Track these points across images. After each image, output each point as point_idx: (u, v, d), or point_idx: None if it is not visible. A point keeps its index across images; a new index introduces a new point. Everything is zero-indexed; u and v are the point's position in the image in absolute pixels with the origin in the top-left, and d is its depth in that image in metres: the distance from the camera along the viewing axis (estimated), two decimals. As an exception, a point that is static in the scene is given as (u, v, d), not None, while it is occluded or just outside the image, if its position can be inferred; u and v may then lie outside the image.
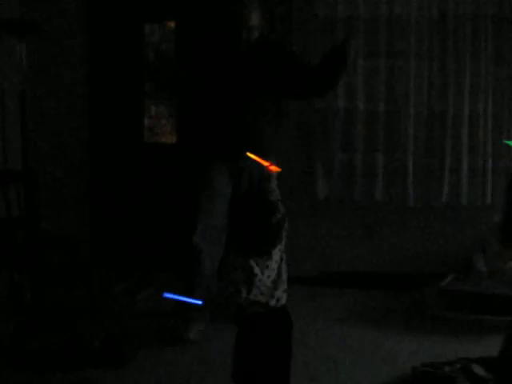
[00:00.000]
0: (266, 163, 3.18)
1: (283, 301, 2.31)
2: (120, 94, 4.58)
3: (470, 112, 4.10)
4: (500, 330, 3.38)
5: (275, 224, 2.24)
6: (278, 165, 2.94)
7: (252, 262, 2.24)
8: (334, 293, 4.15)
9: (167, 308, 3.68)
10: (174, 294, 2.48)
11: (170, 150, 4.71)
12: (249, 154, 3.22)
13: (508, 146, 3.96)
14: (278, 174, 3.44)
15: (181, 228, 3.68)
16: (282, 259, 2.31)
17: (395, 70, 4.14)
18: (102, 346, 3.16)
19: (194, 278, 3.48)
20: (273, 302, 2.27)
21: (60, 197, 4.50)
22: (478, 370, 2.83)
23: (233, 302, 2.29)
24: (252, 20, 3.28)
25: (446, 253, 4.19)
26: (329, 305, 3.97)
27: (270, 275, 2.27)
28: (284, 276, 2.31)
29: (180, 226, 3.68)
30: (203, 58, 3.42)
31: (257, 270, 2.24)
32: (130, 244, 4.55)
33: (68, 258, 4.07)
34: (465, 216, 4.22)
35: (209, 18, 4.27)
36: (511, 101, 4.06)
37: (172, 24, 4.68)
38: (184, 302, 2.63)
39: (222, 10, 3.50)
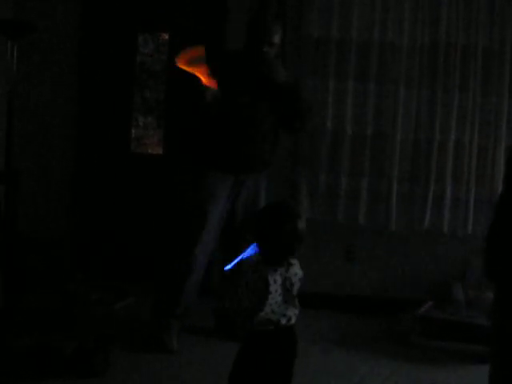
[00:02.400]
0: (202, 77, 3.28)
1: (293, 320, 2.29)
2: (109, 103, 4.57)
3: (455, 141, 4.13)
4: (476, 359, 3.41)
5: (297, 231, 2.22)
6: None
7: (270, 278, 2.21)
8: (311, 315, 4.13)
9: (146, 317, 3.66)
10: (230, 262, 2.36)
11: (157, 160, 4.70)
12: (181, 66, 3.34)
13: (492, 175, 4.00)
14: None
15: (165, 238, 3.69)
16: (296, 275, 2.28)
17: (384, 95, 4.16)
18: (74, 355, 3.11)
19: (181, 287, 3.49)
20: (284, 321, 2.25)
21: (44, 205, 4.46)
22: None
23: (243, 317, 2.27)
24: (275, 38, 3.46)
25: (426, 280, 4.19)
26: (305, 327, 3.93)
27: (284, 294, 2.24)
28: (296, 298, 2.28)
29: (163, 235, 3.68)
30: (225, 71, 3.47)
31: (272, 287, 2.21)
32: (112, 253, 4.51)
33: (47, 263, 4.03)
34: (445, 244, 4.23)
35: (202, 31, 4.29)
36: (497, 132, 4.09)
37: (166, 36, 4.70)
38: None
39: (241, 25, 3.65)
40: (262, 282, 2.21)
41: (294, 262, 2.29)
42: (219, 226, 3.54)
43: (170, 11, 4.48)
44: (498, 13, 4.01)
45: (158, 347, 3.43)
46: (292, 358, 2.32)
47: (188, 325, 3.65)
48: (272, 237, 2.24)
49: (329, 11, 4.11)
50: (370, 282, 4.26)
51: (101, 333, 3.53)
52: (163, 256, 3.66)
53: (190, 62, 3.49)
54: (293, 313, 2.28)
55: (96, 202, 4.60)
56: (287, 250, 2.25)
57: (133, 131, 4.73)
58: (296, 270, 2.28)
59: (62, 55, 4.49)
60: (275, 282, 2.22)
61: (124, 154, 4.64)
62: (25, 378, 2.96)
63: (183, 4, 4.46)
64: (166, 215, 4.14)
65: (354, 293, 4.25)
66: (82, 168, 4.58)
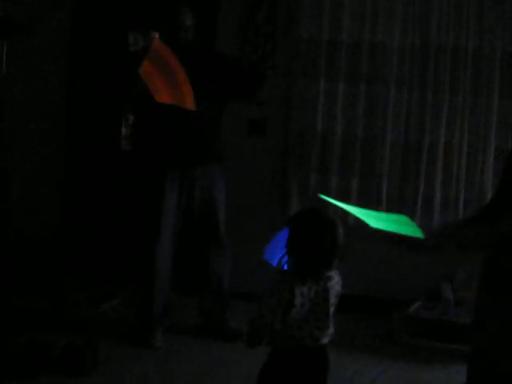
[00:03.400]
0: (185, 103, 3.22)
1: (323, 341, 2.08)
2: (99, 102, 4.55)
3: (445, 143, 4.15)
4: (464, 358, 3.42)
5: (336, 242, 2.04)
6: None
7: (296, 290, 2.01)
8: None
9: (131, 316, 3.68)
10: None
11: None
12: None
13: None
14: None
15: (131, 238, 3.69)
16: (332, 289, 2.08)
17: (374, 96, 4.18)
18: (63, 354, 3.10)
19: (151, 287, 3.52)
20: (308, 341, 2.04)
21: (34, 203, 4.44)
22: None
23: (261, 328, 2.01)
24: (187, 21, 3.43)
25: (415, 280, 4.20)
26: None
27: (314, 310, 2.04)
28: (330, 317, 2.08)
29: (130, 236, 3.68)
30: None
31: (298, 301, 2.00)
32: (100, 253, 4.49)
33: (36, 262, 4.01)
34: (435, 245, 4.24)
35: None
36: (486, 134, 4.11)
37: (157, 35, 4.66)
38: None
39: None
40: (287, 294, 2.00)
41: (332, 275, 2.09)
42: (177, 223, 3.54)
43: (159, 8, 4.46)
44: (487, 15, 4.03)
45: (142, 345, 3.46)
46: (318, 382, 2.11)
47: (175, 323, 3.68)
48: (307, 247, 2.03)
49: (319, 13, 4.12)
50: (359, 282, 4.25)
51: (89, 331, 3.54)
52: (132, 257, 3.71)
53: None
54: (323, 333, 2.06)
55: (86, 200, 4.58)
56: (322, 263, 2.06)
57: (123, 130, 4.72)
58: (333, 284, 2.08)
59: (51, 53, 4.47)
60: (302, 295, 2.01)
61: (114, 153, 4.62)
62: (15, 376, 2.95)
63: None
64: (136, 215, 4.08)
65: (344, 292, 4.25)
66: (72, 167, 4.57)
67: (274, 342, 2.06)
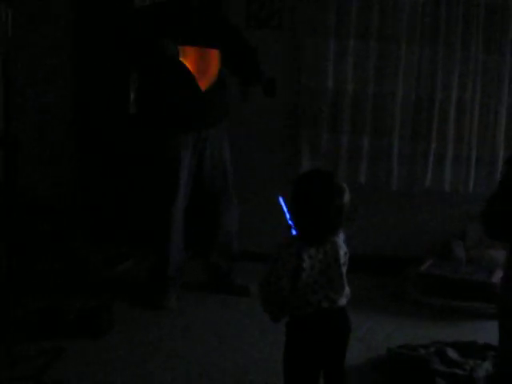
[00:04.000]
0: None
1: (340, 303, 2.03)
2: (108, 65, 4.51)
3: (457, 99, 4.10)
4: (475, 315, 3.46)
5: (340, 207, 1.97)
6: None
7: (304, 253, 1.97)
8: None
9: (146, 278, 3.71)
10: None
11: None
12: None
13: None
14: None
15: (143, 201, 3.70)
16: (341, 254, 2.03)
17: (385, 53, 4.11)
18: (77, 318, 3.14)
19: (166, 248, 3.55)
20: (325, 304, 2.00)
21: (44, 171, 4.44)
22: (452, 353, 2.87)
23: (271, 295, 1.98)
24: None
25: (426, 238, 4.21)
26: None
27: (326, 272, 2.00)
28: (344, 276, 2.04)
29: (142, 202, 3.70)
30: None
31: (307, 263, 1.97)
32: (113, 216, 4.52)
33: (49, 226, 4.04)
34: (446, 202, 4.24)
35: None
36: (499, 90, 4.06)
37: None
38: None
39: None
40: (295, 259, 1.96)
41: (336, 238, 2.04)
42: (189, 183, 3.56)
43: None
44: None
45: (155, 307, 3.50)
46: (340, 344, 2.08)
47: (186, 282, 3.72)
48: (311, 212, 1.96)
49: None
50: (371, 241, 4.28)
51: (104, 293, 3.58)
52: (145, 219, 3.72)
53: None
54: (338, 294, 2.01)
55: (96, 164, 4.58)
56: (327, 228, 2.00)
57: (131, 94, 4.69)
58: (340, 243, 2.04)
59: (59, 17, 4.41)
60: (310, 258, 1.97)
61: (123, 117, 4.60)
62: (32, 339, 3.00)
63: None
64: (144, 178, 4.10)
65: (355, 252, 4.26)
66: (81, 132, 4.55)
67: (291, 311, 2.02)
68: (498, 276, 3.54)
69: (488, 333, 2.97)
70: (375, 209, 4.29)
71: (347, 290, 2.08)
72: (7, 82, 3.67)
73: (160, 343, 3.11)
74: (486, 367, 2.72)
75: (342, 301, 2.05)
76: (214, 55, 3.47)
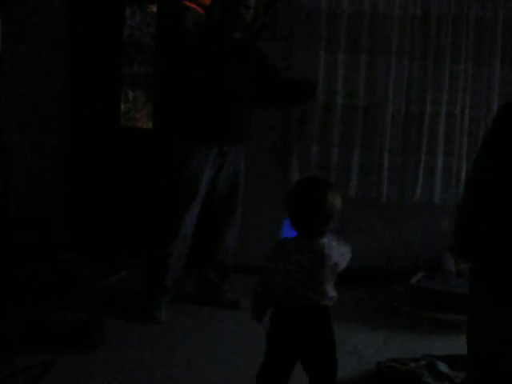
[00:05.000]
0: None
1: (322, 303, 2.11)
2: (98, 77, 4.51)
3: (447, 112, 4.13)
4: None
5: (333, 208, 2.08)
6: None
7: (289, 246, 2.11)
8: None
9: (136, 290, 3.69)
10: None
11: (146, 134, 4.67)
12: None
13: None
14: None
15: (152, 211, 3.69)
16: (324, 248, 2.10)
17: (375, 66, 4.15)
18: (67, 331, 3.11)
19: (168, 261, 3.53)
20: (305, 301, 2.10)
21: (35, 180, 4.43)
22: (443, 367, 2.86)
23: (264, 293, 2.16)
24: (251, 1, 3.47)
25: (417, 251, 4.22)
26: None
27: (310, 271, 2.09)
28: (327, 280, 2.11)
29: (154, 209, 3.69)
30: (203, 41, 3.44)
31: (293, 257, 2.09)
32: (103, 227, 4.50)
33: (39, 238, 4.02)
34: (436, 215, 4.25)
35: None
36: (488, 103, 4.09)
37: (154, 8, 4.64)
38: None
39: None
40: (280, 251, 2.11)
41: (327, 241, 2.11)
42: (204, 194, 3.57)
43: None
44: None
45: (147, 319, 3.48)
46: (309, 342, 2.13)
47: (173, 293, 3.71)
48: (296, 210, 2.10)
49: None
50: (361, 254, 4.26)
51: (95, 306, 3.56)
52: (151, 229, 3.69)
53: None
54: (320, 296, 2.09)
55: (86, 176, 4.57)
56: (312, 226, 2.10)
57: (122, 105, 4.69)
58: (330, 252, 2.10)
59: (49, 29, 4.41)
60: (297, 262, 2.08)
61: (114, 128, 4.60)
62: (21, 351, 2.97)
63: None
64: (154, 189, 4.12)
65: (347, 265, 4.26)
66: (71, 143, 4.54)
67: (278, 304, 2.14)
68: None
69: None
70: (365, 222, 4.30)
71: (332, 293, 2.14)
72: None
73: (150, 356, 3.08)
74: (476, 381, 2.71)
75: (324, 302, 2.13)
76: None
